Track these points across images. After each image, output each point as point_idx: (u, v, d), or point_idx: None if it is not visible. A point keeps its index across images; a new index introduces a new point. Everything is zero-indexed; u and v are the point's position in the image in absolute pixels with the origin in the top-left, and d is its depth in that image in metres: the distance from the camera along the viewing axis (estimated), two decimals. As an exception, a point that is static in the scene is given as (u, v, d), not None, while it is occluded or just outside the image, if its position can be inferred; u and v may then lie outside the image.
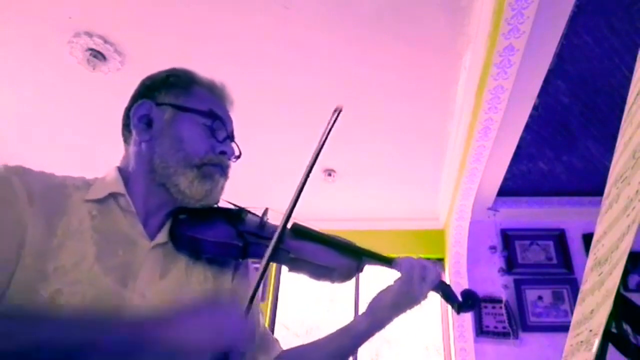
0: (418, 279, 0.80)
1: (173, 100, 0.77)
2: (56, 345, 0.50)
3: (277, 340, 0.88)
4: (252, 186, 2.77)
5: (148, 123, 0.75)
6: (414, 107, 2.42)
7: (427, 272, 0.82)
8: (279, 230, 0.69)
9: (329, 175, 3.09)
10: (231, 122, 0.84)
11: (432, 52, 2.04)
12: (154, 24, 1.98)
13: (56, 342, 0.51)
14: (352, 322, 0.82)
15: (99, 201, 0.68)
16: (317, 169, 3.05)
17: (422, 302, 0.82)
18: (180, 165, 0.72)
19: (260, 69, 2.20)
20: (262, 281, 0.64)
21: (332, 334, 0.82)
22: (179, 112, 0.76)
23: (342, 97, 2.36)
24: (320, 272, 0.78)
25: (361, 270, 0.82)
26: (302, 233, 0.81)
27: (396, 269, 0.83)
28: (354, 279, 0.83)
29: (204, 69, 0.84)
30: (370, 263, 0.83)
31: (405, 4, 1.81)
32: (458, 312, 0.85)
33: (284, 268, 0.79)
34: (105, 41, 2.06)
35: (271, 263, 0.69)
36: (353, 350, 0.82)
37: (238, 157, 0.84)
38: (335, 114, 0.77)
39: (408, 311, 0.81)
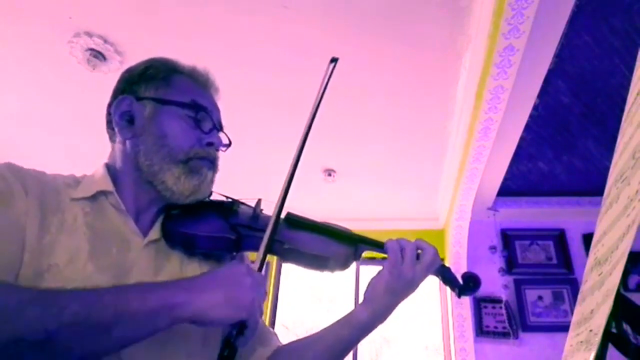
0: (410, 260, 0.75)
1: (153, 93, 0.74)
2: (83, 320, 0.48)
3: (275, 334, 0.86)
4: (251, 185, 2.77)
5: (130, 120, 0.73)
6: (414, 107, 2.42)
7: (423, 253, 0.76)
8: (272, 221, 0.68)
9: (329, 175, 3.09)
10: (218, 110, 0.80)
11: (432, 52, 2.04)
12: (154, 24, 1.98)
13: (83, 315, 0.48)
14: (351, 312, 0.78)
15: (90, 199, 0.67)
16: (317, 169, 3.05)
17: (420, 284, 0.77)
18: (165, 162, 0.70)
19: (260, 69, 2.20)
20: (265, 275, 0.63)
21: (331, 326, 0.78)
22: (160, 105, 0.73)
23: (341, 97, 2.36)
24: (317, 262, 0.76)
25: (358, 258, 0.79)
26: (296, 223, 0.79)
27: (386, 252, 0.78)
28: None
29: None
30: (366, 249, 0.81)
31: (405, 3, 1.81)
32: (459, 296, 0.82)
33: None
34: (105, 41, 2.06)
35: (268, 255, 0.67)
36: (354, 343, 0.78)
37: (228, 145, 0.81)
38: (332, 65, 0.76)
39: (408, 296, 0.77)
